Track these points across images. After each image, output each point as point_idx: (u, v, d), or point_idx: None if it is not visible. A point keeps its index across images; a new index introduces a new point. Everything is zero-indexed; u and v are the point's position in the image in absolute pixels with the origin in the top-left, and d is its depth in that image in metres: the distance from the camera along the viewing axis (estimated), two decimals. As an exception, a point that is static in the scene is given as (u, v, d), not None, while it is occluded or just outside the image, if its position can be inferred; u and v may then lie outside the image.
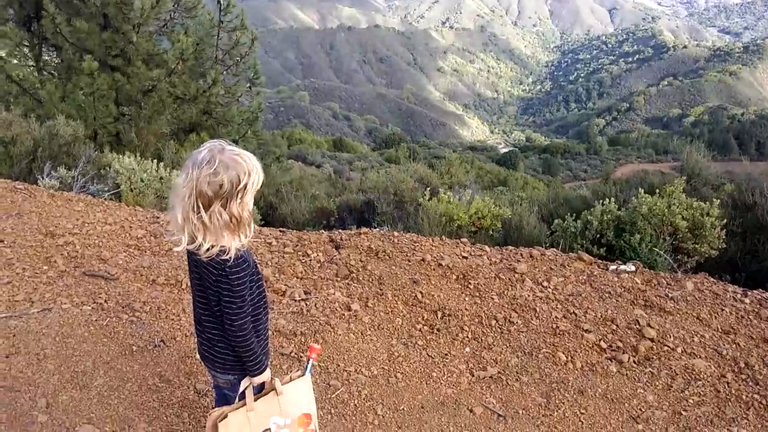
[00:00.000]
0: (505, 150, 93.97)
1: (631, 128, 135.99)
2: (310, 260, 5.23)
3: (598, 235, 9.05)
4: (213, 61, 14.54)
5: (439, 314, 4.34)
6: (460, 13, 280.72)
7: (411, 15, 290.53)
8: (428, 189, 12.53)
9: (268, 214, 12.88)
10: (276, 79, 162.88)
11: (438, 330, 4.17)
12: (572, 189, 20.03)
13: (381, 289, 4.68)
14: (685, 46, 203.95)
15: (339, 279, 4.94)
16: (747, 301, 4.95)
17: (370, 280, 4.87)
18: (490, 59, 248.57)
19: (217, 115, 14.54)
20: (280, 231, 6.24)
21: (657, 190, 9.33)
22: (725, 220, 9.21)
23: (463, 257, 5.46)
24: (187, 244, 1.90)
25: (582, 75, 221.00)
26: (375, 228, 8.51)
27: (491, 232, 10.87)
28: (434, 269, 5.11)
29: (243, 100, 15.42)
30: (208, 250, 1.86)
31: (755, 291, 5.31)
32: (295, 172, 17.64)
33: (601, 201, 9.48)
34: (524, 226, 10.84)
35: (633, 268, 5.37)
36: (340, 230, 6.59)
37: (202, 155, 1.82)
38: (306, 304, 4.34)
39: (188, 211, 1.84)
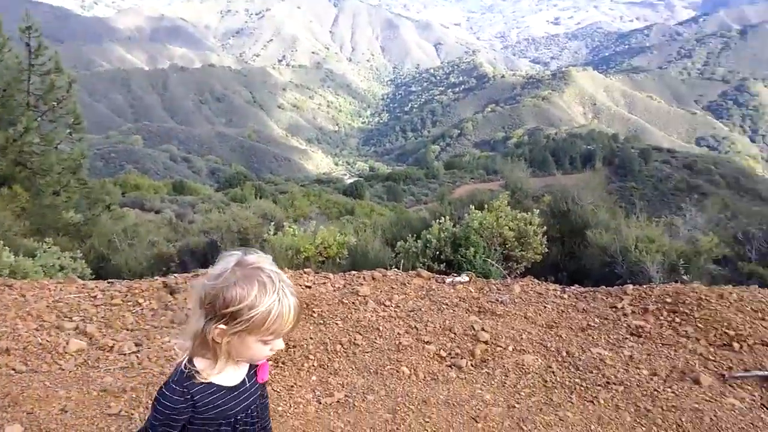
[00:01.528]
0: (351, 180, 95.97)
1: (464, 152, 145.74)
2: (142, 309, 4.90)
3: (437, 252, 9.52)
4: (24, 108, 13.28)
5: (284, 347, 4.26)
6: (296, 50, 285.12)
7: (246, 54, 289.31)
8: (272, 224, 12.44)
9: (100, 267, 11.87)
10: (104, 124, 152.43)
11: (282, 363, 4.08)
12: (415, 212, 20.98)
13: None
14: (503, 76, 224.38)
15: (176, 325, 4.67)
16: (566, 296, 5.45)
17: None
18: (328, 94, 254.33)
19: (33, 166, 13.23)
20: (108, 282, 5.78)
21: (486, 206, 10.07)
22: (545, 228, 10.17)
23: (307, 287, 5.44)
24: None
25: (416, 106, 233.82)
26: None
27: (338, 260, 10.98)
28: (277, 301, 5.03)
29: (63, 148, 14.20)
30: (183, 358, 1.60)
31: (572, 287, 5.87)
32: (130, 220, 16.51)
33: (437, 220, 10.02)
34: (369, 251, 11.09)
35: (467, 279, 5.69)
36: (175, 275, 6.27)
37: (234, 257, 1.55)
38: (137, 357, 4.04)
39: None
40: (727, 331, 4.63)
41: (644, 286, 5.57)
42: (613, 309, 5.15)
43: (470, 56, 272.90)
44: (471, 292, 5.40)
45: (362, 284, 5.54)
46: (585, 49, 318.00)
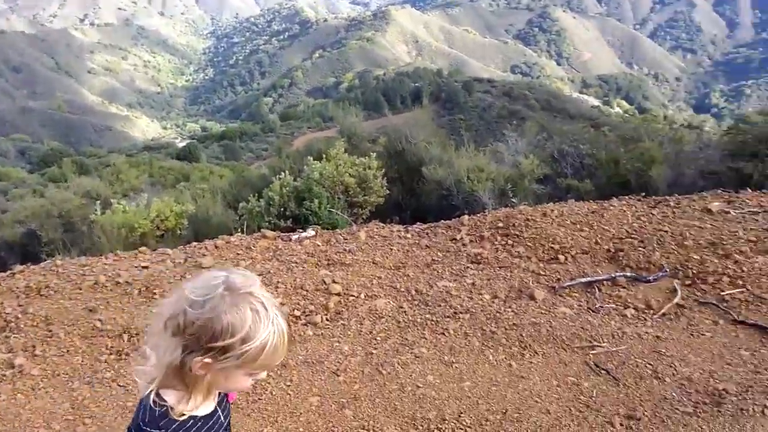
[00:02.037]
0: (184, 143, 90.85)
1: (297, 102, 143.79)
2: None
3: (282, 209, 9.36)
4: None
5: (126, 337, 3.95)
6: (99, 7, 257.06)
7: (41, 15, 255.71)
8: (98, 203, 11.40)
9: None
10: None
11: (127, 354, 3.79)
12: (256, 169, 20.34)
13: (50, 331, 4.05)
14: (326, 20, 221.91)
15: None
16: (409, 236, 5.63)
17: (35, 324, 4.17)
18: (144, 53, 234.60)
19: None
20: None
21: (324, 156, 10.03)
22: (384, 170, 10.41)
23: (144, 267, 5.06)
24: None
25: (241, 58, 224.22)
26: (46, 261, 7.39)
27: (179, 232, 10.41)
28: (112, 290, 4.62)
29: None
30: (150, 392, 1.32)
31: (414, 225, 6.08)
32: None
33: (278, 176, 9.81)
34: (211, 216, 10.64)
35: (313, 233, 5.65)
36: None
37: (218, 278, 1.28)
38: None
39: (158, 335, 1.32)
40: (552, 245, 5.08)
41: (478, 215, 5.91)
42: (453, 241, 5.42)
43: (290, 2, 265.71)
44: (318, 245, 5.37)
45: (205, 255, 5.28)
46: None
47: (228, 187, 12.74)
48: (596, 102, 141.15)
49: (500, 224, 5.53)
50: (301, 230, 5.85)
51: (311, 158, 9.76)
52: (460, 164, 9.44)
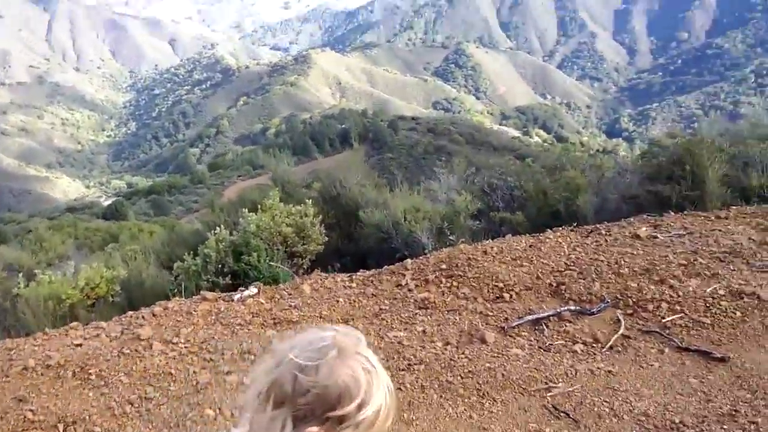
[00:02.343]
0: (109, 202, 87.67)
1: (225, 150, 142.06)
2: None
3: (220, 265, 9.10)
4: None
5: (61, 427, 3.67)
6: (9, 66, 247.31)
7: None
8: (21, 275, 10.73)
9: None
10: None
11: (64, 446, 3.52)
12: (188, 223, 19.77)
13: (-26, 429, 3.72)
14: (248, 67, 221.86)
15: None
16: (354, 285, 5.58)
17: (-45, 423, 3.82)
18: (61, 111, 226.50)
19: None
20: None
21: (259, 206, 9.86)
22: (321, 216, 10.34)
23: (77, 345, 4.76)
24: None
25: (164, 109, 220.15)
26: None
27: (111, 299, 9.91)
28: (43, 374, 4.31)
29: None
30: None
31: (358, 273, 6.03)
32: None
33: (212, 231, 9.55)
34: (145, 279, 10.20)
35: (255, 290, 5.50)
36: None
37: (325, 339, 1.17)
38: None
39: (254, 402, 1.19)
40: (496, 284, 5.16)
41: (421, 258, 5.95)
42: (399, 287, 5.42)
43: (210, 50, 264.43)
44: (263, 304, 5.23)
45: (143, 325, 5.03)
46: (319, 30, 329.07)
47: (160, 246, 12.29)
48: (516, 133, 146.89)
49: (443, 266, 5.57)
50: (242, 288, 5.69)
51: (246, 210, 9.57)
52: (396, 205, 9.51)
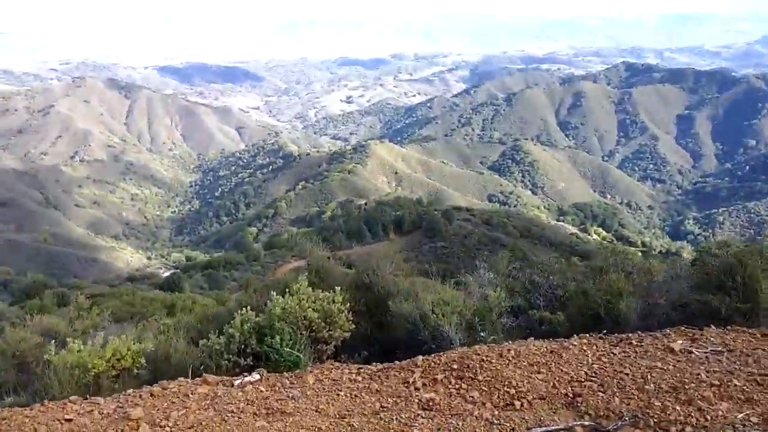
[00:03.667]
0: (167, 274, 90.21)
1: (281, 231, 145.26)
2: None
3: (243, 346, 8.98)
4: None
5: None
6: (89, 145, 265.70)
7: (32, 153, 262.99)
8: (54, 342, 10.90)
9: None
10: None
11: None
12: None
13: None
14: (308, 153, 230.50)
15: None
16: (360, 379, 5.32)
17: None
18: (131, 186, 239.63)
19: None
20: None
21: (287, 290, 9.81)
22: (350, 303, 10.17)
23: (67, 420, 4.67)
24: None
25: (226, 190, 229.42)
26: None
27: (137, 371, 9.88)
28: (25, 449, 4.21)
29: None
30: None
31: (369, 366, 5.78)
32: None
33: (239, 311, 9.51)
34: (172, 354, 10.16)
35: (257, 377, 5.32)
36: None
37: None
38: None
39: None
40: (508, 390, 4.81)
41: (433, 356, 5.66)
42: (406, 385, 5.13)
43: (274, 137, 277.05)
44: (262, 391, 5.04)
45: (137, 405, 4.90)
46: (379, 123, 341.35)
47: (194, 321, 12.33)
48: (573, 229, 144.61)
49: (455, 365, 5.28)
50: (245, 374, 5.52)
51: (274, 293, 9.53)
52: (425, 298, 9.27)
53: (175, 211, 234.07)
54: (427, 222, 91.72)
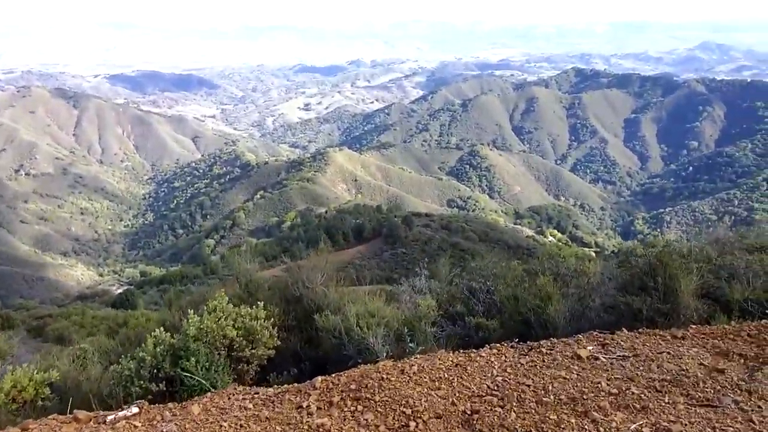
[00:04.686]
0: (120, 291, 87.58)
1: (240, 242, 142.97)
2: None
3: (155, 370, 8.45)
4: None
5: None
6: (35, 158, 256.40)
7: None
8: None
9: None
10: None
11: None
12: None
13: None
14: (266, 162, 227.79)
15: None
16: (251, 405, 4.94)
17: None
18: (81, 200, 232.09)
19: None
20: None
21: (205, 308, 9.31)
22: (279, 318, 9.75)
23: None
24: None
25: (182, 201, 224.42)
26: None
27: (40, 402, 9.21)
28: None
29: None
30: None
31: (264, 390, 5.40)
32: None
33: (152, 333, 8.97)
34: (83, 382, 9.55)
35: (136, 410, 4.87)
36: None
37: None
38: None
39: None
40: (404, 410, 4.51)
41: (333, 375, 5.32)
42: (299, 410, 4.77)
43: (231, 146, 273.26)
44: (136, 427, 4.59)
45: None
46: (337, 130, 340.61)
47: (114, 344, 11.69)
48: (530, 232, 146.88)
49: (353, 386, 4.95)
50: (122, 408, 5.05)
51: (191, 311, 9.02)
52: (350, 310, 8.91)
53: (128, 225, 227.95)
54: (387, 228, 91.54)
